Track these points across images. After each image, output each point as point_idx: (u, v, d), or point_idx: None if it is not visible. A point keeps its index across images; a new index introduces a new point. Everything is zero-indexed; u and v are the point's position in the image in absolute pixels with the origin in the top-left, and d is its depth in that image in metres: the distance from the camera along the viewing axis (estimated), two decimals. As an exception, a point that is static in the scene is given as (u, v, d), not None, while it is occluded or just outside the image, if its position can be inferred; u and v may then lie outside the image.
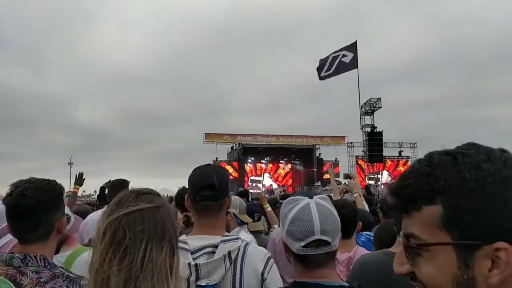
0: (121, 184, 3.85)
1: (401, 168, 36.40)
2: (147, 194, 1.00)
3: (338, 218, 1.23)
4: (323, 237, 1.16)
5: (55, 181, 1.56)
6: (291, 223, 1.19)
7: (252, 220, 3.19)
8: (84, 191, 65.59)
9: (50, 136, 72.63)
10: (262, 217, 3.78)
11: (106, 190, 8.98)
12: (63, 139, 75.24)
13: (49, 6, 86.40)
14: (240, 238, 1.55)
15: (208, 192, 1.53)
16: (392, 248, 1.74)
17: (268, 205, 4.18)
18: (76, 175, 4.23)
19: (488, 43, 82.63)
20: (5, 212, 1.86)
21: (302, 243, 1.16)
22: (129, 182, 3.94)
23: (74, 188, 4.22)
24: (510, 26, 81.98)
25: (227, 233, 1.59)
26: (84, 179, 4.25)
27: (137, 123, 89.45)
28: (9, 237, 1.69)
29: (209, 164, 1.67)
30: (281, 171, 40.86)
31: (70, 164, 40.15)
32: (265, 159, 40.60)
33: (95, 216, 2.75)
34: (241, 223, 3.01)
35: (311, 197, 1.23)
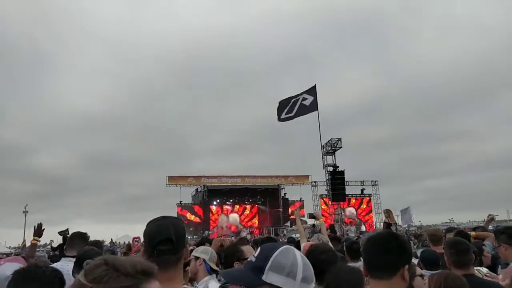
0: (80, 237, 3.75)
1: (364, 206, 37.27)
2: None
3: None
4: None
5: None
6: None
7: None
8: (39, 241, 61.49)
9: (4, 184, 68.73)
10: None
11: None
12: (18, 187, 71.23)
13: (4, 52, 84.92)
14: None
15: (165, 246, 1.52)
16: None
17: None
18: (34, 226, 4.08)
19: (439, 84, 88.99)
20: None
21: None
22: (89, 236, 3.85)
23: (33, 239, 4.07)
24: (458, 67, 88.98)
25: (186, 286, 1.58)
26: (44, 229, 4.10)
27: (97, 168, 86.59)
28: None
29: (164, 216, 1.65)
30: (247, 212, 40.58)
31: (25, 212, 37.75)
32: (231, 200, 40.24)
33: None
34: (211, 271, 2.95)
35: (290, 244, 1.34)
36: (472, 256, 3.00)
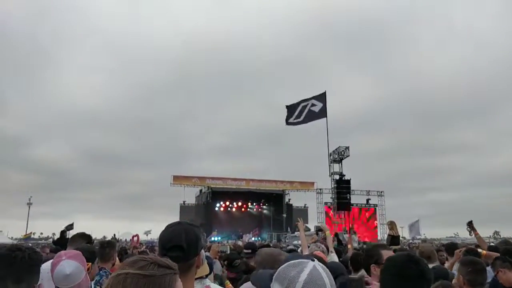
0: (82, 237, 3.66)
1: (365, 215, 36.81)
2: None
3: None
4: None
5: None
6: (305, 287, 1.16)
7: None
8: (41, 233, 61.70)
9: (8, 175, 69.43)
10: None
11: (68, 234, 8.51)
12: (21, 178, 71.92)
13: (6, 48, 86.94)
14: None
15: (175, 253, 1.52)
16: None
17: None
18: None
19: (441, 95, 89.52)
20: None
21: None
22: (91, 237, 3.79)
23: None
24: (459, 81, 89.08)
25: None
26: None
27: (101, 163, 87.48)
28: None
29: (179, 222, 1.65)
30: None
31: (29, 204, 38.17)
32: (234, 203, 40.14)
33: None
34: None
35: (313, 260, 1.23)
36: (486, 276, 2.94)
